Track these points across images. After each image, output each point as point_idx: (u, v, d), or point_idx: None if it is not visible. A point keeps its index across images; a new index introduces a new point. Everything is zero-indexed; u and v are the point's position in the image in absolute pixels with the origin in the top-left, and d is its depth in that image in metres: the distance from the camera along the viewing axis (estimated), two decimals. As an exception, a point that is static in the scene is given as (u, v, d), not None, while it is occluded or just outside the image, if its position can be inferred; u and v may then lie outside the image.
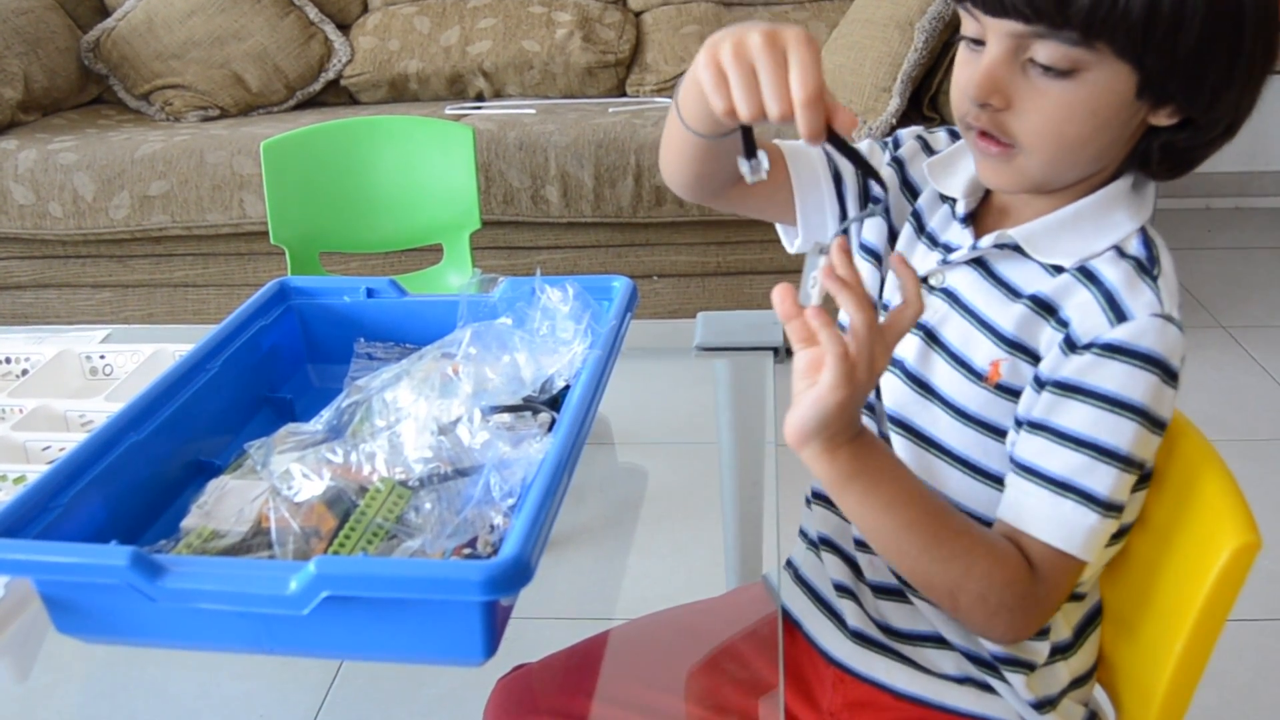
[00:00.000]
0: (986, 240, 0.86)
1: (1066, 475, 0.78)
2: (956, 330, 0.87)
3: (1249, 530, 0.77)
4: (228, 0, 2.96)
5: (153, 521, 0.81)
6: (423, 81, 2.98)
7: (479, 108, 2.89)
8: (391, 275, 1.05)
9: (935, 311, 0.88)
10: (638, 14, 3.09)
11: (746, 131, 0.75)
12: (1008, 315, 0.84)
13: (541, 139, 2.50)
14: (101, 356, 1.18)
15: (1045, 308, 0.82)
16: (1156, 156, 0.81)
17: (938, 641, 0.91)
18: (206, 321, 1.25)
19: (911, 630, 0.92)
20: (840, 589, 0.96)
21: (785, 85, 0.68)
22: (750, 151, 0.76)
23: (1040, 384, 0.81)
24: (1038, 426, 0.80)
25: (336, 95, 3.07)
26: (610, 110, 2.76)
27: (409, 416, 0.84)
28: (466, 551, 0.73)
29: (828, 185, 0.95)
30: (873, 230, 0.95)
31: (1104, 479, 0.78)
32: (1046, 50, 0.75)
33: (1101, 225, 0.82)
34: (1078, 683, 0.92)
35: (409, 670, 1.56)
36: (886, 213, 0.94)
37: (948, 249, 0.90)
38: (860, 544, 0.94)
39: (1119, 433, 0.78)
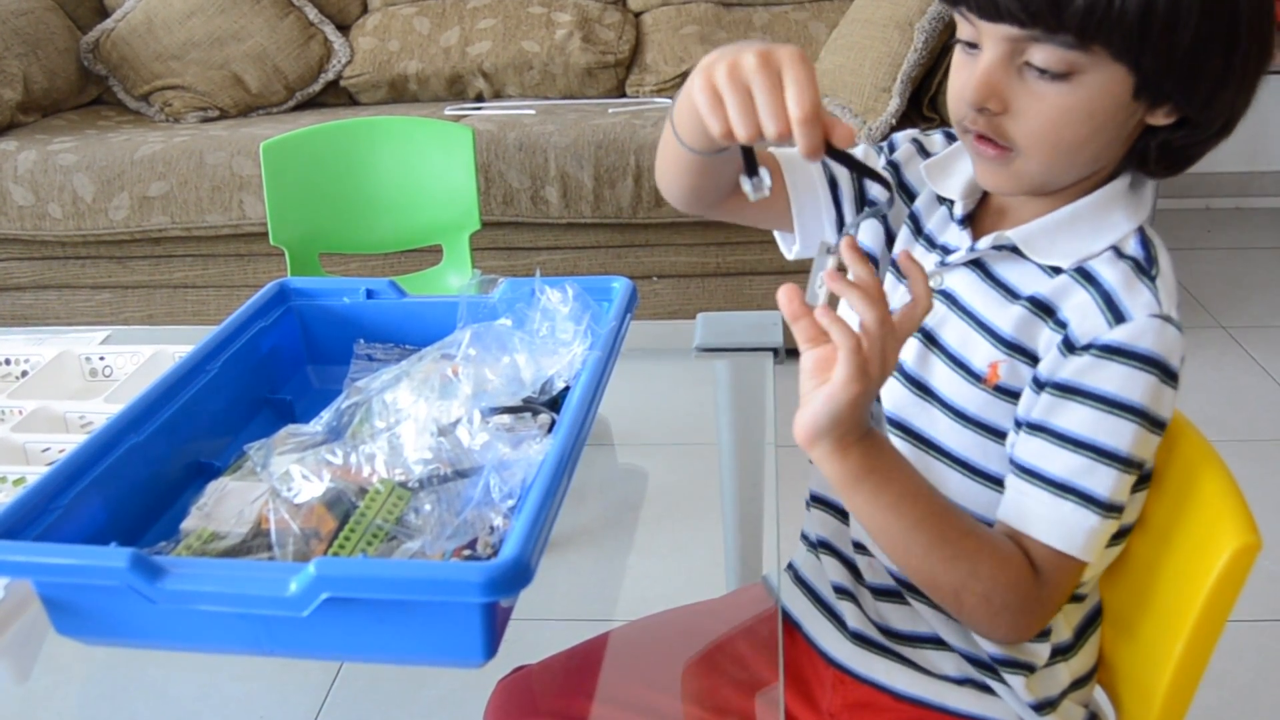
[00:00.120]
0: (984, 242, 0.86)
1: (1066, 477, 0.79)
2: (955, 332, 0.87)
3: (1249, 531, 0.77)
4: (227, 1, 2.96)
5: (152, 523, 0.81)
6: (422, 82, 2.98)
7: (479, 108, 2.89)
8: (391, 276, 1.05)
9: (934, 313, 0.88)
10: (637, 14, 3.09)
11: (747, 151, 0.75)
12: (1006, 316, 0.84)
13: (541, 140, 2.50)
14: (101, 358, 1.18)
15: (1043, 309, 0.82)
16: (1154, 155, 0.81)
17: (937, 643, 0.91)
18: (206, 323, 1.25)
19: (911, 631, 0.92)
20: (840, 591, 0.96)
21: (782, 105, 0.68)
22: (752, 170, 0.76)
23: (1039, 385, 0.81)
24: (1037, 428, 0.80)
25: (336, 96, 3.07)
26: (610, 111, 2.76)
27: (409, 418, 0.84)
28: (466, 553, 0.73)
29: (824, 192, 0.95)
30: (869, 233, 0.95)
31: (1104, 480, 0.78)
32: (1042, 54, 0.75)
33: (1099, 226, 0.82)
34: (1078, 684, 0.92)
35: (409, 672, 1.56)
36: (883, 215, 0.94)
37: (946, 250, 0.90)
38: (859, 547, 0.94)
39: (1118, 434, 0.78)
